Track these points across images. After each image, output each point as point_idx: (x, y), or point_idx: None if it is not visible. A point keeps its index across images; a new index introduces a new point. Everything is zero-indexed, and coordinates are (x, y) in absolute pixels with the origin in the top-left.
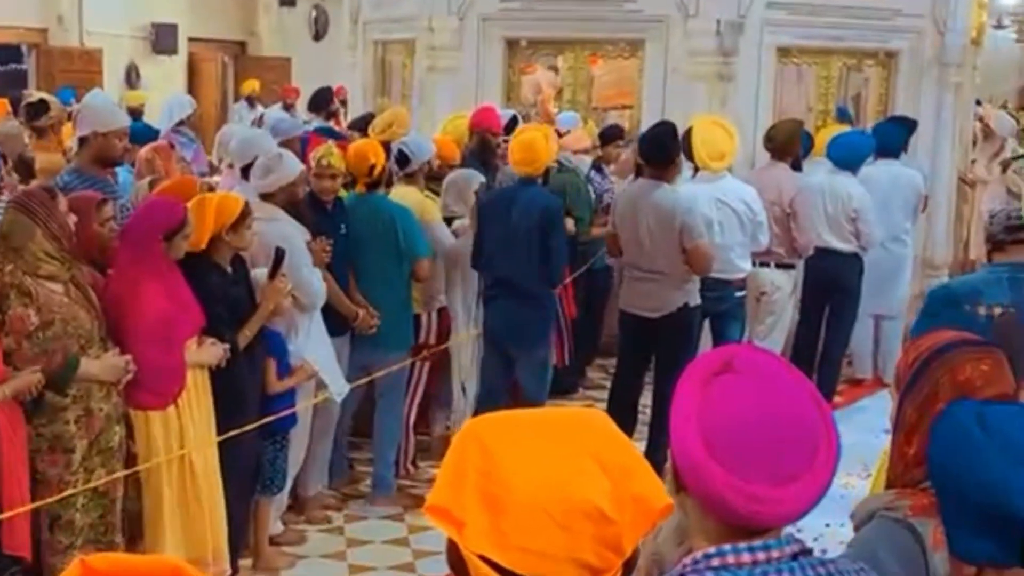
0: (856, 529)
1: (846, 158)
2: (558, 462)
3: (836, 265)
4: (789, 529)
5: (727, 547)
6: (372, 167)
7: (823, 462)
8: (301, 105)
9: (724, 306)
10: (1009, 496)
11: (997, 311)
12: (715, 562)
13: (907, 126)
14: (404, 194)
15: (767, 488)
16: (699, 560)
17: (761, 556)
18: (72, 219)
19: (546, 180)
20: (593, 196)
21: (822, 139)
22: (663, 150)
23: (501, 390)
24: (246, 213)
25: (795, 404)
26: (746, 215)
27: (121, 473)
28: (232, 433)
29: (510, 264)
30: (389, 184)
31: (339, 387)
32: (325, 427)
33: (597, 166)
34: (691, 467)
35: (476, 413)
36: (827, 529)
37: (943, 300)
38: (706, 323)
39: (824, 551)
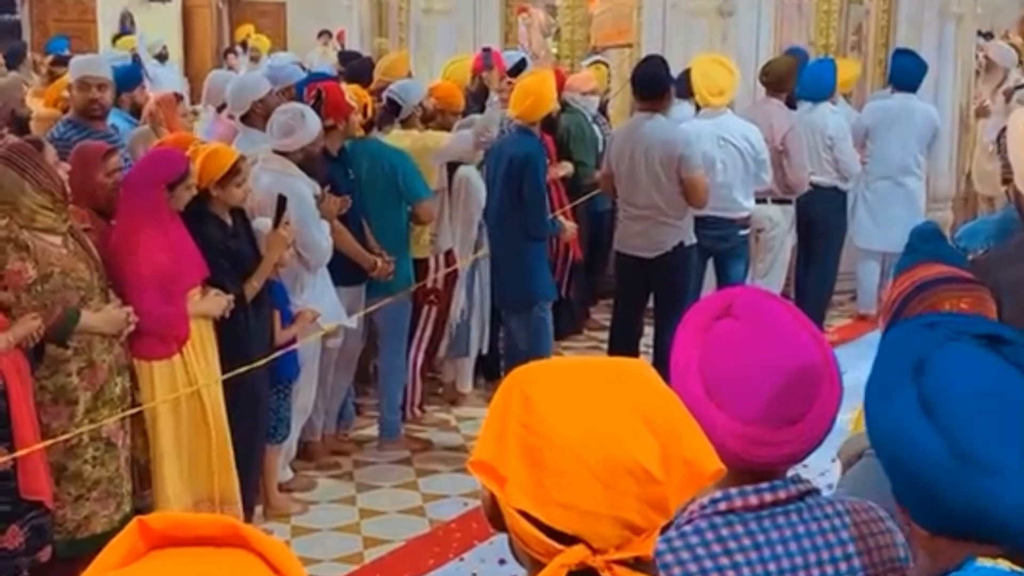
0: (843, 469)
1: (813, 88)
2: (603, 417)
3: (817, 200)
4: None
5: (734, 491)
6: (364, 107)
7: (825, 404)
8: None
9: (727, 245)
10: (959, 499)
11: (981, 251)
12: (722, 506)
13: (921, 60)
14: (401, 137)
15: (767, 431)
16: (706, 505)
17: (768, 498)
18: (64, 168)
19: (550, 126)
20: (600, 138)
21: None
22: (655, 81)
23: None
24: (236, 170)
25: (795, 347)
26: (748, 152)
27: (116, 417)
28: (231, 374)
29: (494, 218)
30: (379, 128)
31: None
32: (347, 369)
33: (603, 108)
34: (692, 411)
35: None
36: (832, 464)
37: (923, 235)
38: (710, 263)
39: (830, 485)
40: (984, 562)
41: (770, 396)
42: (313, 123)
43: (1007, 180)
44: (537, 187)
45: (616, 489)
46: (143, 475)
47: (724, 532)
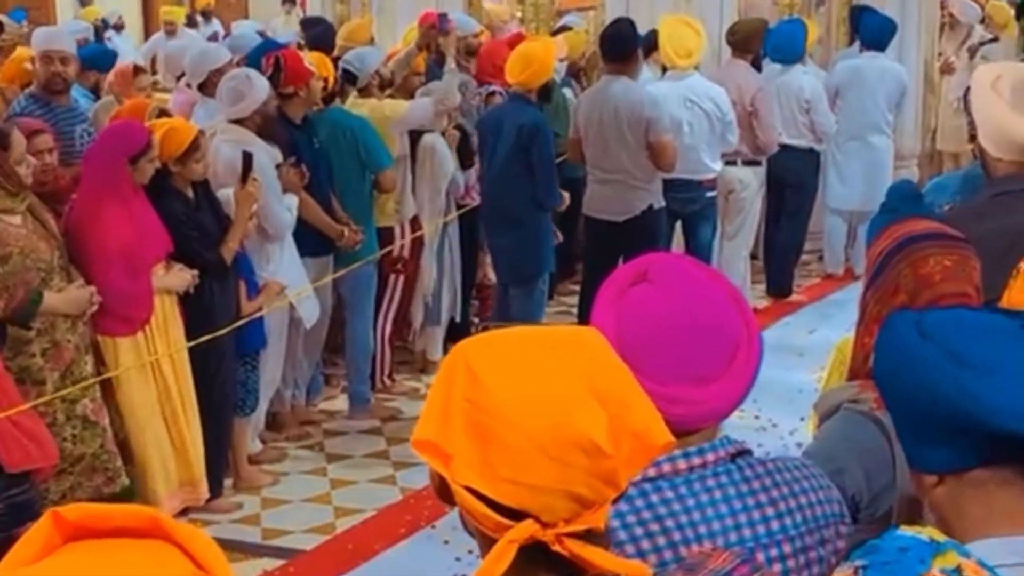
0: (820, 421)
1: (784, 51)
2: (550, 389)
3: (790, 160)
4: (763, 423)
5: (662, 457)
6: (324, 80)
7: (743, 362)
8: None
9: (695, 207)
10: (957, 401)
11: (947, 206)
12: (651, 472)
13: (889, 18)
14: (359, 106)
15: (686, 389)
16: None
17: (696, 461)
18: (31, 161)
19: (546, 96)
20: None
21: None
22: (623, 43)
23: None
24: (195, 145)
25: (710, 307)
26: (715, 114)
27: (69, 390)
28: (193, 343)
29: (494, 188)
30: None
31: (309, 312)
32: (315, 342)
33: (575, 75)
34: None
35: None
36: (801, 423)
37: (901, 194)
38: (678, 225)
39: (799, 444)
40: (905, 530)
41: (685, 355)
42: (260, 84)
43: (973, 137)
44: (549, 156)
45: (565, 463)
46: (123, 451)
47: (653, 498)
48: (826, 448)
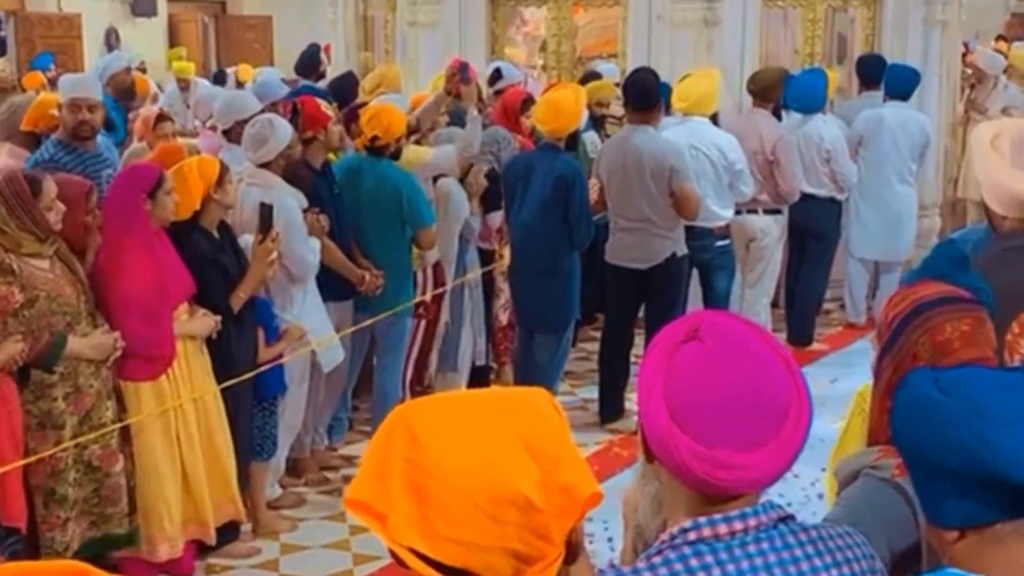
0: (840, 487)
1: (805, 100)
2: (485, 448)
3: (812, 210)
4: (786, 475)
5: (703, 519)
6: (375, 137)
7: (793, 427)
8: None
9: (707, 255)
10: (979, 453)
11: None
12: (691, 536)
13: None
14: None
15: (733, 454)
16: (676, 535)
17: (738, 526)
18: (60, 208)
19: (572, 144)
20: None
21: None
22: (647, 92)
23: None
24: (225, 170)
25: (763, 370)
26: (720, 162)
27: (89, 437)
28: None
29: (527, 237)
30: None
31: (329, 357)
32: (336, 386)
33: (598, 122)
34: (657, 436)
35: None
36: (823, 474)
37: (950, 259)
38: (695, 272)
39: (820, 495)
40: (958, 570)
41: (735, 419)
42: (283, 128)
43: None
44: (585, 202)
45: (500, 520)
46: (130, 499)
47: (693, 562)
48: (848, 514)
